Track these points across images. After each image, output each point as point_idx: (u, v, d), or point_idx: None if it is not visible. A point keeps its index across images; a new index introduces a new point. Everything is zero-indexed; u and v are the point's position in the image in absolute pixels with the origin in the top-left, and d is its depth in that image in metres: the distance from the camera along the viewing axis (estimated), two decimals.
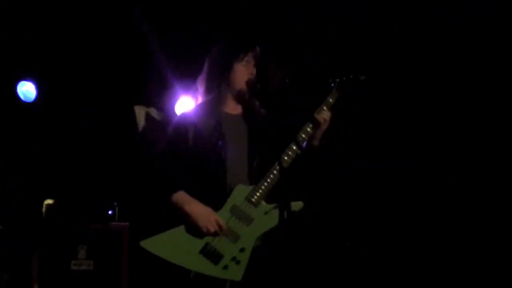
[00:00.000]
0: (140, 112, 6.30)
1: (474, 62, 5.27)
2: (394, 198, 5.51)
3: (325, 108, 3.68)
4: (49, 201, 5.63)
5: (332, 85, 3.68)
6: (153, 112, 6.37)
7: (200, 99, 3.93)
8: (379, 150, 5.57)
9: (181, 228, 3.59)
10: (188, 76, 5.61)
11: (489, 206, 5.35)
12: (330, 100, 3.68)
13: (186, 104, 6.02)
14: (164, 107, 6.38)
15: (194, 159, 3.70)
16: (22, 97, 6.11)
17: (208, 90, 3.88)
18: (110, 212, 5.73)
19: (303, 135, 3.66)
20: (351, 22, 5.05)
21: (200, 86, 3.93)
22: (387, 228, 5.45)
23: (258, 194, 3.61)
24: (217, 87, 3.85)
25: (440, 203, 5.47)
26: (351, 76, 3.66)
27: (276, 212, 3.47)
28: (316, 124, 3.65)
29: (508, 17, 4.99)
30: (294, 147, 3.62)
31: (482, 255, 5.26)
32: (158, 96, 6.34)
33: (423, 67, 5.40)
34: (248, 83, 3.77)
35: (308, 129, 3.66)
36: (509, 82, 5.26)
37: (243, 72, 3.79)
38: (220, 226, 3.55)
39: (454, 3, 4.99)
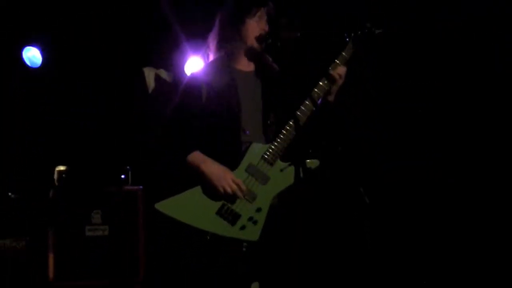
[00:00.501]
0: (149, 74, 6.23)
1: (474, 62, 5.28)
2: (393, 198, 5.49)
3: (340, 63, 3.64)
4: (60, 168, 5.59)
5: (347, 39, 3.63)
6: (163, 73, 6.30)
7: (211, 57, 3.89)
8: (379, 150, 5.57)
9: (197, 188, 3.56)
10: (197, 36, 5.46)
11: (489, 206, 5.34)
12: (345, 55, 3.63)
13: (196, 64, 5.96)
14: (173, 68, 6.32)
15: (208, 118, 3.67)
16: (28, 62, 6.04)
17: (219, 46, 3.83)
18: (123, 176, 5.69)
19: (318, 91, 3.62)
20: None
21: (211, 43, 3.89)
22: (386, 228, 5.41)
23: (273, 152, 3.58)
24: (228, 44, 3.81)
25: (440, 203, 5.46)
26: (367, 29, 3.62)
27: (292, 170, 3.45)
28: (331, 80, 3.61)
29: (508, 17, 4.99)
30: (309, 103, 3.59)
31: (482, 255, 5.27)
32: (168, 57, 6.29)
33: (423, 67, 5.41)
34: (259, 38, 3.72)
35: (323, 85, 3.63)
36: (509, 82, 5.25)
37: (255, 28, 3.73)
38: (237, 185, 3.52)
39: (454, 3, 4.99)
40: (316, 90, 3.61)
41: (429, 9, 5.05)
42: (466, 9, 4.98)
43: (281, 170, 3.59)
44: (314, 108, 3.59)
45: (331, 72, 3.60)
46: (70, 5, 5.86)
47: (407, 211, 5.46)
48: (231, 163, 3.59)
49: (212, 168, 3.55)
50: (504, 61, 5.20)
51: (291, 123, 3.55)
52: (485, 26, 5.05)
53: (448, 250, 5.38)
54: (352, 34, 3.63)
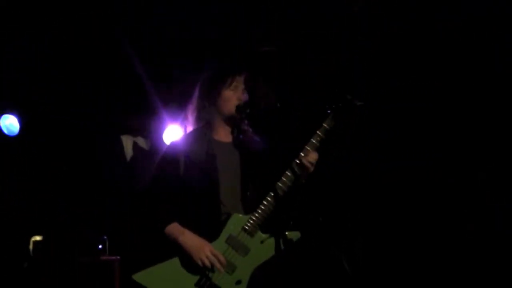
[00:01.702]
0: (127, 142, 6.28)
1: (474, 62, 5.26)
2: (393, 198, 5.53)
3: (310, 148, 3.60)
4: (36, 238, 5.55)
5: (329, 111, 3.64)
6: (141, 141, 6.37)
7: (189, 128, 3.91)
8: (378, 150, 5.59)
9: (175, 260, 3.54)
10: (175, 104, 5.56)
11: (488, 206, 5.36)
12: (326, 126, 3.63)
13: (174, 132, 6.00)
14: (151, 135, 6.37)
15: (187, 189, 3.67)
16: (5, 131, 6.06)
17: (198, 118, 3.86)
18: (100, 246, 5.64)
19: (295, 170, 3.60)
20: (350, 22, 5.03)
21: (190, 114, 3.90)
22: (386, 228, 5.49)
23: (254, 223, 3.57)
24: (206, 115, 3.83)
25: (440, 203, 5.48)
26: (347, 101, 3.62)
27: (272, 242, 3.48)
28: (303, 169, 3.58)
29: (508, 17, 4.96)
30: (290, 175, 3.57)
31: (482, 255, 5.27)
32: (145, 125, 6.33)
33: (423, 67, 5.39)
34: (237, 108, 3.73)
35: (290, 175, 3.59)
36: (509, 82, 5.25)
37: (231, 98, 3.75)
38: (216, 257, 3.49)
39: (454, 3, 4.97)
40: (297, 161, 3.59)
41: (429, 9, 5.04)
42: (466, 9, 4.96)
43: (262, 242, 3.58)
44: (294, 179, 3.57)
45: (302, 160, 3.57)
46: (47, 75, 5.88)
47: (406, 211, 5.49)
48: (211, 234, 3.57)
49: (190, 240, 3.53)
50: (504, 61, 5.18)
51: (271, 194, 3.54)
52: (485, 26, 5.04)
53: (448, 250, 5.40)
54: (333, 106, 3.63)
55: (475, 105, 5.36)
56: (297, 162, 3.57)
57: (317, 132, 3.62)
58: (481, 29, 5.06)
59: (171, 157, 3.75)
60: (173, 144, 3.95)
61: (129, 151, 6.28)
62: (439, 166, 5.48)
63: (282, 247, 3.37)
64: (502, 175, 5.31)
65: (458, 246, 5.37)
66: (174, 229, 3.58)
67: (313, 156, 3.60)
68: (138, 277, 3.51)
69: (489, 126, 5.36)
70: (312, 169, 3.60)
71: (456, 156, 5.46)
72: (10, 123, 6.05)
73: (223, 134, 3.83)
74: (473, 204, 5.38)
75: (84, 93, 6.10)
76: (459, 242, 5.37)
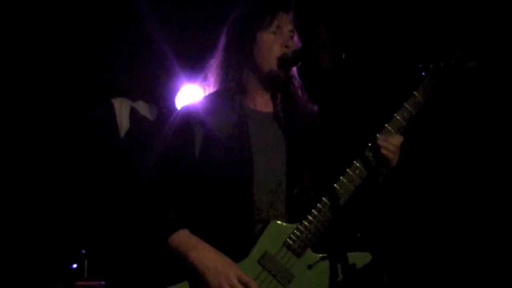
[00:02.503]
0: (121, 108, 6.10)
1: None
2: (393, 198, 5.39)
3: (392, 128, 3.45)
4: None
5: (423, 73, 3.47)
6: (141, 106, 6.21)
7: (211, 89, 3.76)
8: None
9: (184, 285, 3.41)
10: (194, 58, 5.36)
11: (489, 205, 5.69)
12: (418, 96, 3.48)
13: (191, 95, 5.92)
14: (158, 99, 6.24)
15: (204, 179, 3.55)
16: None
17: (224, 76, 3.70)
18: (74, 265, 5.52)
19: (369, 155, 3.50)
20: None
21: (212, 72, 3.76)
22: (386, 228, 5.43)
23: (302, 237, 3.43)
24: (236, 72, 3.66)
25: (440, 202, 5.80)
26: (454, 60, 3.45)
27: (326, 268, 3.37)
28: (380, 159, 3.45)
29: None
30: (360, 167, 3.46)
31: (482, 255, 5.65)
32: (149, 84, 6.20)
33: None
34: (280, 60, 3.56)
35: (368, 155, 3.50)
36: (509, 82, 5.47)
37: (272, 44, 3.61)
38: (245, 286, 3.35)
39: None
40: (372, 146, 3.47)
41: None
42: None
43: (310, 267, 3.46)
44: (366, 175, 3.46)
45: (380, 144, 3.43)
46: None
47: (406, 210, 5.54)
48: (237, 250, 3.44)
49: (207, 258, 3.38)
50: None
51: (330, 195, 3.43)
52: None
53: (448, 250, 5.76)
54: (431, 66, 3.46)
55: (475, 105, 5.62)
56: (371, 148, 3.42)
57: (404, 104, 3.48)
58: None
59: (182, 130, 3.62)
60: (186, 110, 3.76)
61: (124, 122, 6.10)
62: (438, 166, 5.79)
63: (340, 276, 3.31)
64: (501, 175, 5.65)
65: (458, 246, 5.75)
66: (184, 239, 3.43)
67: (396, 140, 3.42)
68: None
69: (488, 125, 5.68)
70: (394, 159, 3.45)
71: (455, 156, 5.80)
72: None
73: (260, 101, 3.71)
74: (473, 203, 5.73)
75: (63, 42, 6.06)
76: (459, 242, 5.73)
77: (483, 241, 5.66)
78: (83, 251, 5.51)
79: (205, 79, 3.82)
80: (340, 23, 3.76)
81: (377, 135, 3.43)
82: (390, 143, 3.40)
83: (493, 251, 5.62)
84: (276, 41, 3.60)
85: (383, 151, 3.40)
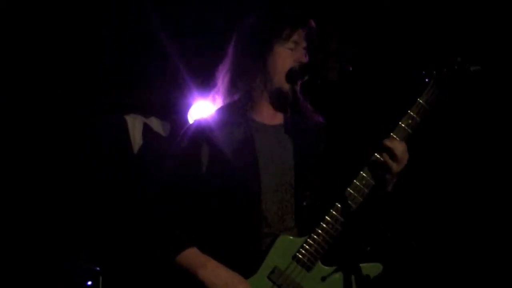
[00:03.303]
0: (135, 124, 6.07)
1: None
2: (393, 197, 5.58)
3: (398, 136, 3.35)
4: None
5: (427, 80, 3.40)
6: (154, 123, 6.16)
7: (220, 101, 3.72)
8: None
9: None
10: (206, 74, 5.30)
11: (488, 206, 5.55)
12: (423, 102, 3.38)
13: (203, 110, 5.81)
14: (171, 116, 6.18)
15: (210, 194, 3.50)
16: None
17: (233, 86, 3.64)
18: (88, 283, 5.49)
19: (379, 157, 3.41)
20: None
21: (221, 81, 3.71)
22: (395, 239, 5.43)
23: (311, 250, 3.37)
24: (247, 82, 3.61)
25: (440, 202, 5.67)
26: (457, 66, 3.36)
27: (340, 280, 3.32)
28: (386, 167, 3.34)
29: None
30: (366, 177, 3.38)
31: (482, 256, 5.53)
32: (162, 100, 6.14)
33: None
34: (291, 75, 3.52)
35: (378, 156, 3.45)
36: (509, 82, 5.35)
37: (287, 58, 3.57)
38: None
39: None
40: (377, 155, 3.38)
41: None
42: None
43: (323, 279, 3.39)
44: (374, 184, 3.39)
45: (387, 143, 3.34)
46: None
47: (406, 209, 5.37)
48: (246, 266, 3.38)
49: (217, 276, 3.34)
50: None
51: (338, 206, 3.36)
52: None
53: (448, 250, 5.63)
54: (435, 72, 3.40)
55: (475, 105, 5.43)
56: (378, 157, 3.34)
57: (409, 112, 3.39)
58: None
59: (190, 144, 3.59)
60: (195, 126, 3.72)
61: (137, 138, 6.08)
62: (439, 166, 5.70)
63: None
64: (501, 175, 5.53)
65: (458, 246, 5.61)
66: (192, 257, 3.39)
67: (401, 147, 3.36)
68: None
69: (488, 125, 5.53)
70: (400, 166, 3.36)
71: (456, 156, 5.67)
72: None
73: (269, 113, 3.66)
74: (472, 203, 5.59)
75: (77, 56, 5.97)
76: (459, 242, 5.60)
77: (487, 245, 5.48)
78: (98, 268, 5.52)
79: (214, 90, 3.76)
80: (346, 34, 3.67)
81: (384, 142, 3.37)
82: (395, 147, 3.31)
83: (496, 254, 5.46)
84: (291, 56, 3.56)
85: (388, 159, 3.32)
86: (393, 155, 3.31)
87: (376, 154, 3.37)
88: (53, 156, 5.97)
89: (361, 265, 3.35)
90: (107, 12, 5.71)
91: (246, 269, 3.35)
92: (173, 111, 6.15)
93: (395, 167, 3.33)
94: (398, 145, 3.33)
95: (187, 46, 5.78)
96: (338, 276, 3.34)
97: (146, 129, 6.09)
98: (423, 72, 3.47)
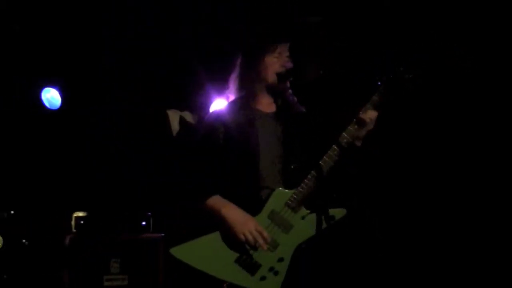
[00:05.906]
0: (173, 117, 6.41)
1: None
2: (393, 198, 5.56)
3: (370, 107, 3.55)
4: (78, 213, 5.66)
5: (379, 83, 3.58)
6: (187, 115, 6.49)
7: (231, 97, 3.96)
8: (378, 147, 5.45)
9: (216, 234, 3.57)
10: (223, 78, 5.72)
11: (488, 205, 5.37)
12: (376, 98, 3.56)
13: (221, 106, 5.85)
14: (199, 110, 6.46)
15: (226, 161, 3.71)
16: (47, 104, 6.22)
17: (240, 87, 3.92)
18: (143, 223, 5.72)
19: (347, 136, 3.57)
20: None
21: (232, 83, 3.96)
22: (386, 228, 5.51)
23: (297, 198, 3.57)
24: (249, 83, 3.87)
25: (440, 202, 5.51)
26: (399, 74, 3.57)
27: (314, 218, 3.45)
28: (361, 124, 3.53)
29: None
30: (336, 149, 3.55)
31: (482, 256, 5.30)
32: (193, 99, 6.43)
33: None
34: (280, 75, 3.74)
35: (352, 129, 3.56)
36: (509, 82, 5.22)
37: (275, 65, 3.75)
38: (260, 233, 3.50)
39: None
40: (344, 134, 3.56)
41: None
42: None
43: (303, 218, 3.59)
44: (341, 154, 3.55)
45: (362, 116, 3.52)
46: (90, 48, 6.02)
47: (406, 209, 5.53)
48: (252, 209, 3.59)
49: (234, 214, 3.55)
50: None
51: (316, 169, 3.54)
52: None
53: (448, 250, 5.44)
54: (384, 78, 3.57)
55: (475, 105, 5.37)
56: (357, 117, 3.54)
57: (367, 104, 3.59)
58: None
59: (210, 127, 3.81)
60: (213, 114, 3.99)
61: (175, 126, 6.39)
62: (440, 163, 5.51)
63: (324, 224, 3.36)
64: (501, 175, 5.31)
65: (458, 246, 5.40)
66: (217, 201, 3.61)
67: (373, 113, 3.54)
68: (176, 251, 3.56)
69: (488, 125, 5.37)
70: (371, 126, 3.54)
71: (455, 156, 5.49)
72: (52, 96, 6.22)
73: (265, 104, 3.86)
74: (472, 203, 5.38)
75: (129, 67, 6.22)
76: (459, 242, 5.39)
77: (482, 241, 5.29)
78: (150, 213, 5.79)
79: (227, 91, 4.04)
80: (318, 52, 3.98)
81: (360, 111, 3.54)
82: (368, 115, 3.53)
83: (493, 251, 5.26)
84: (277, 63, 3.78)
85: (365, 118, 3.52)
86: (362, 123, 3.50)
87: (347, 129, 3.54)
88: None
89: (330, 209, 3.50)
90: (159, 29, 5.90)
91: (252, 211, 3.58)
92: (199, 106, 6.42)
93: (368, 123, 3.52)
94: (370, 111, 3.54)
95: (210, 57, 6.03)
96: (313, 216, 3.47)
97: (181, 119, 6.41)
98: (376, 77, 3.62)
